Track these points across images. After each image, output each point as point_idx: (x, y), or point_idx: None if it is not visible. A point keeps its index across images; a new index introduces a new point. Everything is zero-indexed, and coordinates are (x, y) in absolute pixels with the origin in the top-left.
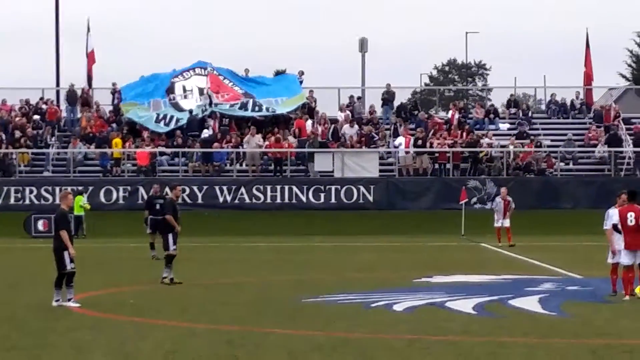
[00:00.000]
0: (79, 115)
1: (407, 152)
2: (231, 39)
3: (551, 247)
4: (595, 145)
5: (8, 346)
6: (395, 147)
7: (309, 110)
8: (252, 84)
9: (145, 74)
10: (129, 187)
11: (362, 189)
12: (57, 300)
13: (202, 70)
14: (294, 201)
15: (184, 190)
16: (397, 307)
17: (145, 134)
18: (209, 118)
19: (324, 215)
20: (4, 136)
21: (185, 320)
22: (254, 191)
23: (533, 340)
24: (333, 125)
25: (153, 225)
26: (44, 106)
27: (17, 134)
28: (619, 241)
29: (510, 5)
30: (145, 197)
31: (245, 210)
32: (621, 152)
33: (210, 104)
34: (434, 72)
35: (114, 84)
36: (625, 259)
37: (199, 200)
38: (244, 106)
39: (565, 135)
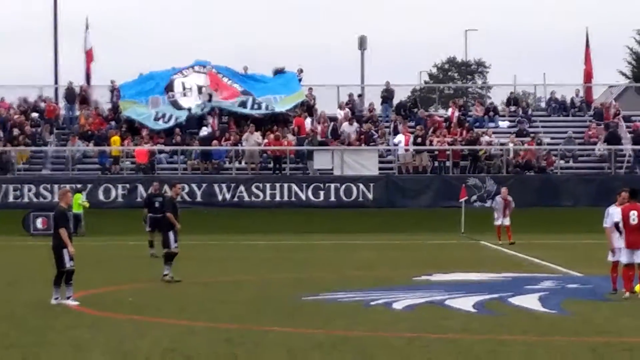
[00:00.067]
0: (77, 113)
1: (406, 150)
2: (231, 37)
3: (551, 245)
4: (595, 143)
5: (7, 344)
6: (395, 145)
7: (308, 108)
8: (251, 82)
9: (144, 72)
10: (127, 185)
11: (361, 186)
12: (56, 298)
13: (202, 68)
14: (293, 199)
15: (183, 188)
16: (397, 305)
17: (144, 132)
18: (208, 116)
19: (324, 213)
20: (2, 134)
21: (184, 319)
22: (253, 189)
23: (533, 338)
24: (332, 123)
25: (152, 223)
26: (42, 104)
27: (16, 131)
28: (619, 239)
29: (509, 3)
30: (144, 195)
31: (244, 208)
32: (621, 149)
33: (210, 101)
34: (434, 70)
35: (112, 82)
36: (625, 257)
37: (198, 198)
38: (243, 104)
39: (565, 133)
